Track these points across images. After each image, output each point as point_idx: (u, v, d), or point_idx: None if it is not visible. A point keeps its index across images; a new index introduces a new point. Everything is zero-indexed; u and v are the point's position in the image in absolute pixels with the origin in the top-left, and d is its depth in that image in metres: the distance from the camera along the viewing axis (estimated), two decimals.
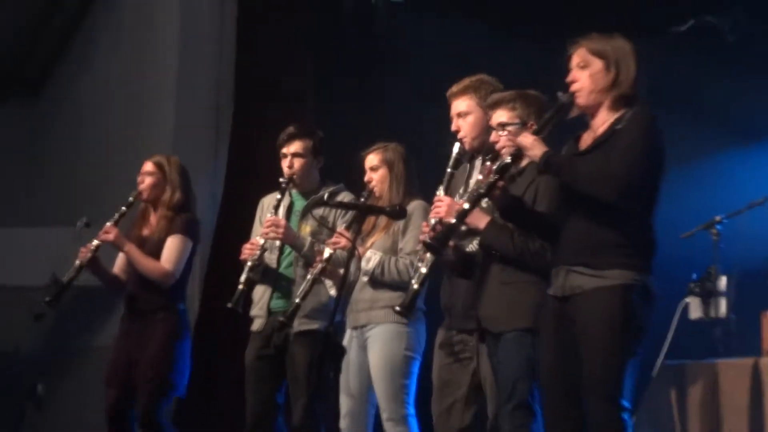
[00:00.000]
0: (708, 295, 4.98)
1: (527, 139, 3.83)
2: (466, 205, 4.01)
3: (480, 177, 4.18)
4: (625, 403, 3.62)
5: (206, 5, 8.54)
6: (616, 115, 3.82)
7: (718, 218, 5.04)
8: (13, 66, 10.43)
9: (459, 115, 4.74)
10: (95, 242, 5.51)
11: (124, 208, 5.64)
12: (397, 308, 4.35)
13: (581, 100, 3.88)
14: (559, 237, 3.90)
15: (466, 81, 4.78)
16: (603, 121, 3.86)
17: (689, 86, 8.55)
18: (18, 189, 10.20)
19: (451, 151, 4.56)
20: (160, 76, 8.67)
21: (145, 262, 5.51)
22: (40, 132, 10.42)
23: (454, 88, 4.78)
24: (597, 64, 3.86)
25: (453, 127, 4.73)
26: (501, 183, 3.93)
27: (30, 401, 7.12)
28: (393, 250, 5.06)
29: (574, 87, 3.89)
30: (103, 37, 9.68)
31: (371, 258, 5.02)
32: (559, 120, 3.99)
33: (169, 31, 8.63)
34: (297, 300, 5.22)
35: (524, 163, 4.10)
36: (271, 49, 8.08)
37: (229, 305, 5.36)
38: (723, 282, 4.98)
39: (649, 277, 3.74)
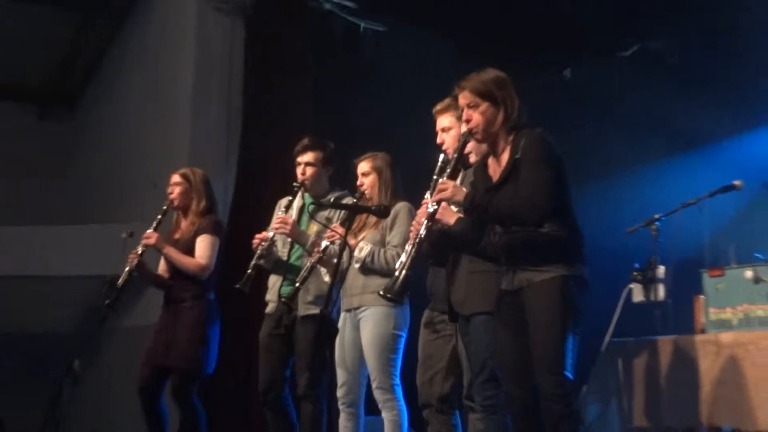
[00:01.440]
0: (648, 282, 5.00)
1: (448, 189, 3.87)
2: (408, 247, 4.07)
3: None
4: (568, 374, 3.66)
5: (218, 32, 8.53)
6: (510, 145, 3.80)
7: (657, 216, 5.07)
8: (53, 86, 10.43)
9: (443, 129, 4.74)
10: (140, 248, 5.51)
11: (160, 216, 5.66)
12: (381, 292, 4.39)
13: (479, 136, 3.89)
14: (476, 248, 4.02)
15: (448, 100, 4.78)
16: (503, 148, 3.86)
17: (634, 102, 8.60)
18: (56, 191, 10.20)
19: (436, 160, 4.56)
20: (179, 93, 8.67)
21: (183, 260, 5.53)
22: (76, 142, 10.42)
23: (439, 107, 4.77)
24: (484, 104, 3.85)
25: (438, 140, 4.74)
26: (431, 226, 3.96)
27: (67, 377, 7.11)
28: (381, 243, 5.09)
29: (470, 126, 3.88)
30: (129, 60, 9.69)
31: (363, 248, 5.05)
32: (462, 156, 4.03)
33: (186, 54, 8.63)
34: (297, 284, 5.29)
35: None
36: (274, 70, 8.09)
37: (237, 286, 5.40)
38: (661, 270, 5.01)
39: (583, 268, 3.77)
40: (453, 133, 4.66)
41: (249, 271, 5.39)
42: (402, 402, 5.05)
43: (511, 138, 3.81)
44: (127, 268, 5.50)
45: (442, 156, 4.57)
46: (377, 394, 5.06)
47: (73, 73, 10.31)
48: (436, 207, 3.95)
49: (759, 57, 8.14)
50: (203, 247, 5.56)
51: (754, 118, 8.74)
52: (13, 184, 9.96)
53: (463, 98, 3.89)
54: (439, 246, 4.17)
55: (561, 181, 3.78)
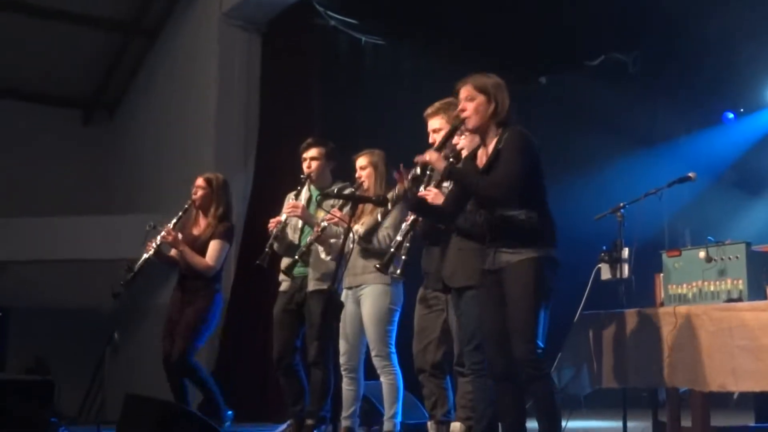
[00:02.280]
0: (615, 262, 4.96)
1: (432, 156, 3.86)
2: (389, 206, 4.12)
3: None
4: (539, 343, 3.68)
5: (238, 47, 8.51)
6: (497, 135, 3.83)
7: (622, 204, 5.02)
8: (95, 95, 10.42)
9: (434, 131, 4.71)
10: (159, 239, 5.52)
11: (180, 213, 5.67)
12: (377, 266, 4.35)
13: (469, 124, 3.88)
14: (454, 221, 4.03)
15: (438, 104, 4.74)
16: (491, 140, 3.87)
17: (601, 106, 8.57)
18: (97, 188, 10.19)
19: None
20: (204, 101, 8.64)
21: (194, 259, 5.55)
22: (115, 144, 10.41)
23: (429, 110, 4.73)
24: (480, 97, 3.86)
25: (430, 140, 4.70)
26: (413, 189, 3.92)
27: (108, 347, 7.09)
28: (376, 227, 5.07)
29: (463, 114, 3.89)
30: (161, 73, 9.66)
31: (359, 230, 5.03)
32: (451, 138, 4.05)
33: (210, 67, 8.61)
34: (296, 256, 5.30)
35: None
36: (286, 79, 8.08)
37: (257, 262, 5.39)
38: (626, 252, 4.96)
39: (554, 250, 3.78)
40: (443, 133, 4.61)
41: (266, 249, 5.39)
42: (397, 368, 5.02)
43: (499, 132, 3.83)
44: (144, 256, 5.53)
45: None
46: (376, 362, 5.02)
47: (112, 84, 10.30)
48: (420, 171, 3.94)
49: (710, 66, 8.13)
50: (214, 250, 5.58)
51: (706, 119, 8.76)
52: (59, 181, 9.96)
53: (464, 91, 3.90)
54: (424, 214, 4.12)
55: (536, 172, 3.79)
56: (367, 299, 5.02)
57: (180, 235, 5.56)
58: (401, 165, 3.94)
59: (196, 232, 5.69)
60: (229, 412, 5.64)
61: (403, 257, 4.31)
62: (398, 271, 4.38)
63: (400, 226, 4.52)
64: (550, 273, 3.75)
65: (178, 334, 5.52)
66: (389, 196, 4.91)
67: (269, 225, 5.47)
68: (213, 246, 5.59)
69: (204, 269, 5.56)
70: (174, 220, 5.59)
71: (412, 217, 4.28)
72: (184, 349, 5.49)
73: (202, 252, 5.59)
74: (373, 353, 5.02)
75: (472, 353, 4.16)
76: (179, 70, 9.28)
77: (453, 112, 4.55)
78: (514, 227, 3.75)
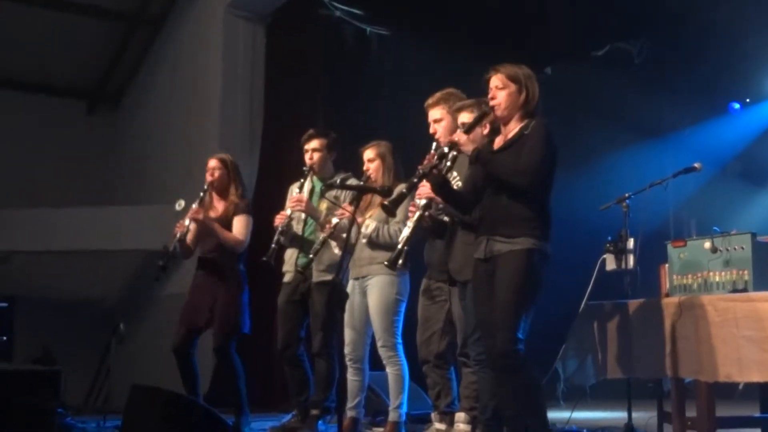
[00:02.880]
0: (620, 252, 4.96)
1: (462, 138, 3.88)
2: (415, 179, 4.01)
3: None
4: (519, 335, 3.67)
5: (242, 38, 8.50)
6: (523, 124, 3.86)
7: (627, 195, 5.01)
8: (99, 85, 10.43)
9: (435, 121, 4.71)
10: (187, 220, 5.40)
11: (201, 194, 5.52)
12: (386, 263, 4.35)
13: (498, 112, 3.90)
14: (472, 210, 4.01)
15: (438, 94, 4.75)
16: (513, 128, 3.90)
17: (607, 96, 8.55)
18: (102, 178, 10.21)
19: (429, 148, 4.50)
20: (209, 91, 8.64)
21: (226, 235, 5.45)
22: (119, 134, 10.42)
23: (430, 100, 4.75)
24: (512, 86, 3.88)
25: (431, 130, 4.70)
26: (440, 166, 3.93)
27: (114, 337, 7.11)
28: (386, 220, 5.05)
29: (493, 102, 3.90)
30: (166, 62, 9.66)
31: (369, 225, 5.01)
32: (479, 123, 4.05)
33: (214, 57, 8.60)
34: (311, 255, 5.27)
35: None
36: (291, 70, 8.06)
37: (264, 259, 5.37)
38: (631, 242, 4.96)
39: (546, 243, 3.79)
40: (444, 124, 4.63)
41: (273, 245, 5.38)
42: (403, 358, 5.02)
43: (523, 122, 3.87)
44: (177, 235, 5.40)
45: (434, 144, 4.51)
46: (382, 352, 5.03)
47: (117, 74, 10.32)
48: (447, 150, 3.91)
49: (716, 56, 8.10)
50: (240, 225, 5.50)
51: (711, 109, 8.73)
52: (64, 171, 9.98)
53: (496, 79, 3.92)
54: (447, 196, 4.10)
55: (551, 167, 3.82)
56: (373, 290, 5.02)
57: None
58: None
59: (213, 215, 5.57)
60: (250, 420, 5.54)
61: (405, 248, 4.32)
62: (400, 262, 4.37)
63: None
64: (540, 266, 3.76)
65: (215, 325, 5.42)
66: (397, 189, 4.90)
67: (275, 221, 5.47)
68: (239, 221, 5.50)
69: (236, 244, 5.46)
70: (197, 202, 5.47)
71: (418, 213, 4.27)
72: (224, 339, 5.38)
73: (227, 231, 5.48)
74: (379, 344, 5.02)
75: (476, 343, 4.18)
76: (183, 60, 9.28)
77: (453, 103, 4.56)
78: (512, 217, 3.76)
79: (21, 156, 9.78)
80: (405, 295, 5.08)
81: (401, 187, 4.98)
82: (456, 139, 3.89)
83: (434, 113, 4.71)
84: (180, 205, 5.56)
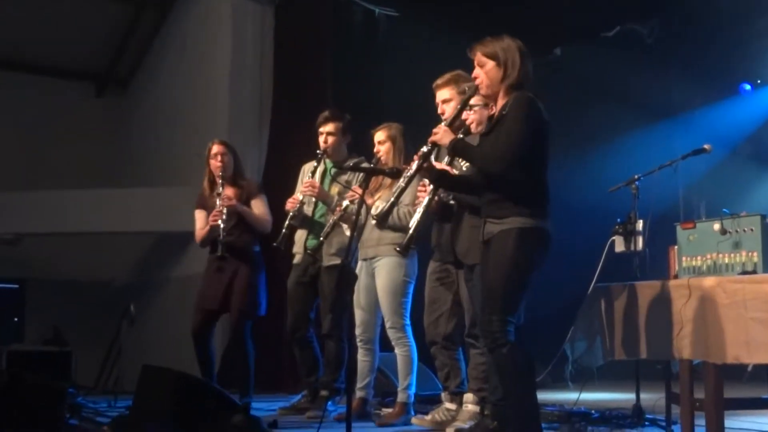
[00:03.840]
0: (629, 234, 4.94)
1: (438, 131, 3.82)
2: (403, 184, 4.05)
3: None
4: (509, 318, 3.58)
5: (251, 19, 8.49)
6: (505, 101, 3.74)
7: (636, 176, 4.99)
8: (107, 69, 10.44)
9: (443, 101, 4.70)
10: (223, 208, 5.33)
11: (220, 181, 5.39)
12: (398, 249, 4.36)
13: (482, 91, 3.81)
14: (483, 191, 3.86)
15: (447, 75, 4.73)
16: (500, 105, 3.78)
17: (617, 78, 8.52)
18: (111, 160, 10.24)
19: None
20: (217, 73, 8.64)
21: (253, 217, 5.43)
22: (128, 116, 10.44)
23: (439, 81, 4.73)
24: (489, 63, 3.76)
25: (439, 111, 4.69)
26: (425, 165, 3.89)
27: (125, 319, 7.15)
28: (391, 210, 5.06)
29: (477, 81, 3.81)
30: (174, 45, 9.65)
31: (379, 207, 5.01)
32: (464, 109, 4.01)
33: (223, 39, 8.59)
34: (321, 238, 5.29)
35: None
36: (300, 51, 8.05)
37: (275, 244, 5.38)
38: (640, 224, 4.95)
39: (540, 220, 3.64)
40: (452, 104, 4.62)
41: (284, 230, 5.39)
42: (412, 339, 5.05)
43: (508, 97, 3.73)
44: (221, 225, 5.30)
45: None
46: (390, 333, 5.05)
47: (125, 56, 10.32)
48: (429, 147, 3.88)
49: (727, 37, 8.05)
50: (261, 205, 5.50)
51: (721, 90, 8.68)
52: (73, 153, 10.02)
53: (474, 58, 3.82)
54: (451, 186, 4.09)
55: (537, 140, 3.67)
56: (381, 271, 5.04)
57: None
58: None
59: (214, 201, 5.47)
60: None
61: (410, 232, 4.32)
62: (403, 244, 4.36)
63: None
64: (534, 245, 3.63)
65: (233, 309, 5.39)
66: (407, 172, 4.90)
67: (287, 205, 5.47)
68: (260, 202, 5.49)
69: (265, 223, 5.48)
70: (220, 189, 5.38)
71: (427, 197, 4.26)
72: (242, 322, 5.37)
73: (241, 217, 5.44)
74: (387, 325, 5.05)
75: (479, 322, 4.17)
76: (192, 42, 9.27)
77: (462, 84, 4.55)
78: (501, 197, 3.67)
79: (30, 138, 9.82)
80: (413, 276, 5.10)
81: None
82: (433, 138, 3.83)
83: (442, 94, 4.70)
84: (198, 155, 5.46)
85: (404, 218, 4.89)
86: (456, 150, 3.80)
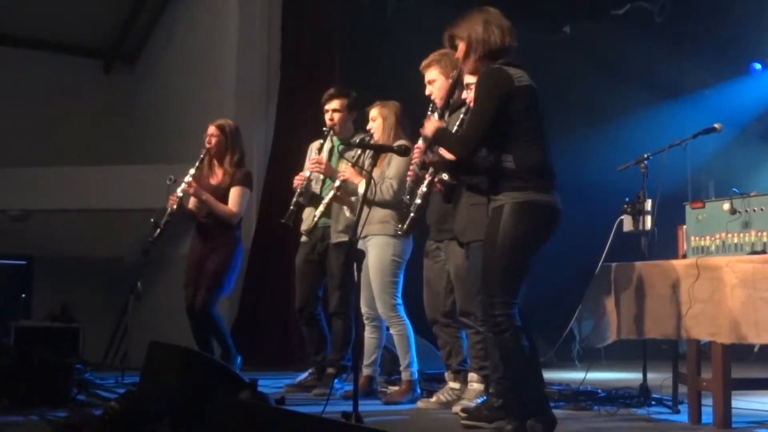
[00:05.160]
0: (637, 213, 4.93)
1: (426, 126, 3.82)
2: (424, 188, 4.07)
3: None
4: (512, 300, 3.52)
5: None
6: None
7: (645, 155, 4.96)
8: (115, 44, 10.41)
9: (429, 82, 4.71)
10: (179, 192, 5.50)
11: (198, 163, 5.61)
12: (400, 232, 4.35)
13: (465, 71, 3.82)
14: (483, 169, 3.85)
15: (432, 55, 4.72)
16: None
17: (626, 57, 8.47)
18: (118, 137, 10.23)
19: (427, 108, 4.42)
20: (225, 51, 8.60)
21: (219, 207, 5.54)
22: (136, 93, 10.42)
23: (424, 63, 4.74)
24: (461, 43, 3.76)
25: (426, 92, 4.68)
26: (437, 176, 3.93)
27: (132, 295, 7.17)
28: (381, 178, 5.06)
29: (460, 64, 3.84)
30: (182, 22, 9.61)
31: (362, 184, 4.99)
32: (453, 91, 4.01)
33: (230, 17, 8.54)
34: (315, 218, 5.32)
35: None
36: (307, 30, 8.02)
37: (282, 221, 5.39)
38: (648, 204, 4.93)
39: (537, 194, 3.53)
40: (438, 84, 4.61)
41: (291, 207, 5.39)
42: (405, 317, 5.06)
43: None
44: (168, 209, 5.51)
45: (431, 106, 4.46)
46: (382, 313, 5.07)
47: (133, 33, 10.28)
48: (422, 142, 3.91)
49: (737, 15, 7.99)
50: (235, 197, 5.58)
51: (732, 69, 8.63)
52: (80, 130, 10.01)
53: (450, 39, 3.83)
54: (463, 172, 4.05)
55: (506, 113, 3.55)
56: (372, 250, 5.04)
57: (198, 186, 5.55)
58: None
59: (213, 182, 5.66)
60: (239, 358, 5.70)
61: (411, 215, 4.30)
62: (404, 227, 4.35)
63: (404, 178, 4.52)
64: (530, 220, 3.51)
65: (201, 285, 5.55)
66: (396, 144, 4.88)
67: (294, 183, 5.47)
68: (234, 193, 5.58)
69: (229, 216, 5.56)
70: (192, 171, 5.56)
71: (429, 178, 4.24)
72: (206, 299, 5.53)
73: (224, 201, 5.59)
74: (378, 305, 5.04)
75: (480, 304, 4.16)
76: (200, 19, 9.23)
77: (447, 63, 4.53)
78: (491, 175, 3.62)
79: (38, 115, 9.80)
80: (403, 256, 5.09)
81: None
82: (421, 133, 3.84)
83: (429, 74, 4.71)
84: (170, 179, 5.57)
85: (386, 192, 4.94)
86: (435, 140, 3.79)
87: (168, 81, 9.79)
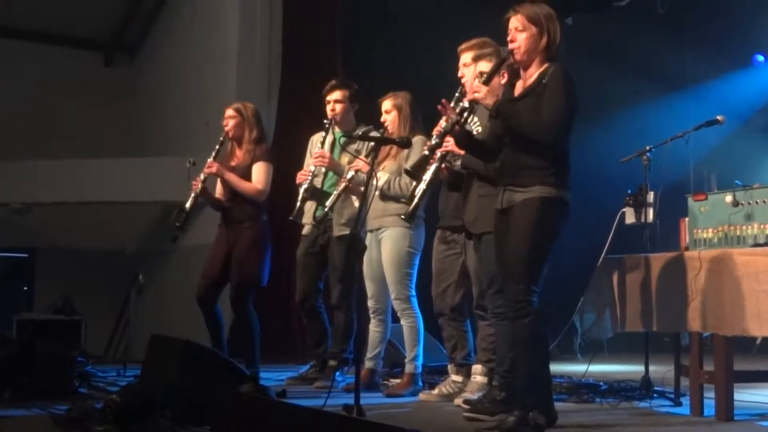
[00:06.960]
0: (640, 206, 4.92)
1: (481, 89, 3.75)
2: (437, 140, 3.92)
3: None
4: (531, 286, 3.61)
5: None
6: (542, 69, 3.72)
7: (648, 148, 4.95)
8: (116, 36, 10.41)
9: (464, 65, 4.61)
10: (202, 175, 5.27)
11: (218, 146, 5.38)
12: (403, 216, 4.34)
13: (518, 56, 3.75)
14: (496, 158, 3.86)
15: (474, 40, 4.63)
16: (532, 73, 3.76)
17: (628, 48, 8.44)
18: (119, 130, 10.24)
19: (450, 97, 4.36)
20: (226, 42, 8.59)
21: (243, 185, 5.26)
22: (137, 85, 10.41)
23: (464, 45, 4.60)
24: (532, 29, 3.72)
25: (459, 74, 4.61)
26: (460, 122, 3.81)
27: (133, 287, 7.17)
28: (399, 172, 5.03)
29: (512, 46, 3.75)
30: (182, 14, 9.60)
31: (381, 177, 4.97)
32: (498, 71, 3.93)
33: (232, 8, 8.53)
34: (326, 209, 5.26)
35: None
36: (308, 21, 8.00)
37: (291, 218, 5.35)
38: (651, 196, 4.92)
39: (564, 192, 3.68)
40: (472, 68, 4.54)
41: (298, 203, 5.35)
42: (417, 310, 5.04)
43: (543, 66, 3.72)
44: (192, 194, 5.26)
45: (459, 88, 4.44)
46: (395, 305, 5.05)
47: (134, 25, 10.27)
48: (467, 105, 3.79)
49: (740, 7, 7.97)
50: (260, 172, 5.29)
51: (734, 61, 8.60)
52: (81, 122, 10.01)
53: (515, 21, 3.76)
54: (471, 148, 4.01)
55: (573, 114, 3.68)
56: (386, 242, 5.02)
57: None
58: (443, 100, 3.87)
59: (234, 163, 5.40)
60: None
61: (416, 200, 4.28)
62: (408, 212, 4.32)
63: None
64: (556, 215, 3.66)
65: (232, 279, 5.27)
66: (414, 139, 4.85)
67: (298, 179, 5.43)
68: (258, 169, 5.29)
69: (255, 194, 5.26)
70: (213, 154, 5.32)
71: (434, 165, 4.22)
72: (242, 295, 5.22)
73: (246, 179, 5.30)
74: (392, 296, 5.04)
75: (493, 297, 4.17)
76: (201, 10, 9.22)
77: (485, 51, 4.48)
78: (527, 166, 3.66)
79: (39, 107, 9.81)
80: (418, 247, 5.07)
81: (418, 140, 4.96)
82: (476, 96, 3.75)
83: (465, 57, 4.60)
84: (190, 162, 5.44)
85: (405, 188, 4.88)
86: (500, 113, 3.72)
87: (169, 73, 9.78)
